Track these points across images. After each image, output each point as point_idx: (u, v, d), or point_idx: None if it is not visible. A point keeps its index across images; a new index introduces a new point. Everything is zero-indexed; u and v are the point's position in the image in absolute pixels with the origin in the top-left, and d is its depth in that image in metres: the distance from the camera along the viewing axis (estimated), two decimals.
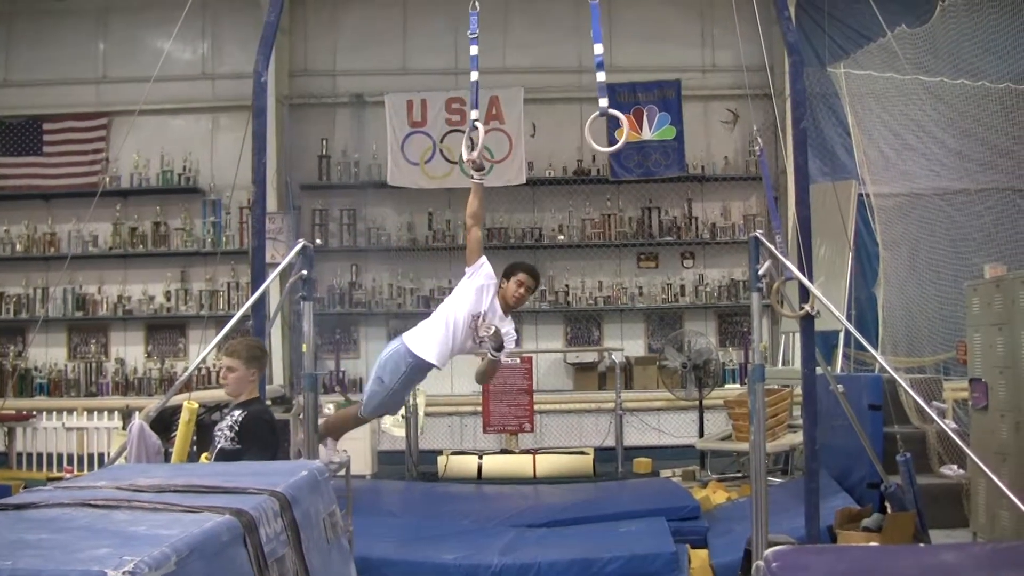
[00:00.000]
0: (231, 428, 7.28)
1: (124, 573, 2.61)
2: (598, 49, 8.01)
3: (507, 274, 8.46)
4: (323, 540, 4.19)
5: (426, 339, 8.47)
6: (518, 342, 15.53)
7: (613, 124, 15.64)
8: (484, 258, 8.39)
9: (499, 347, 8.24)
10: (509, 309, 8.42)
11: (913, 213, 13.28)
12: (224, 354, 7.60)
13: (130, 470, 4.83)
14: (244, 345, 7.67)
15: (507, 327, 8.36)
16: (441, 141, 15.94)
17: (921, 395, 8.84)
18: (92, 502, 3.49)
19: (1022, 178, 11.85)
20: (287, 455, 8.77)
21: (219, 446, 7.27)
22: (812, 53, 14.82)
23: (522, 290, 8.36)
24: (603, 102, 7.76)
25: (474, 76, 8.24)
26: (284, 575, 3.61)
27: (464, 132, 8.60)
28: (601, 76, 7.92)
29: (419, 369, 8.55)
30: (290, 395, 14.58)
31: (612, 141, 15.47)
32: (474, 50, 8.23)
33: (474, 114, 8.22)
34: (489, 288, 8.32)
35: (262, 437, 7.34)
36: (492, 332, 8.17)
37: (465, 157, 8.24)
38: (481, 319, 8.22)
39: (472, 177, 8.21)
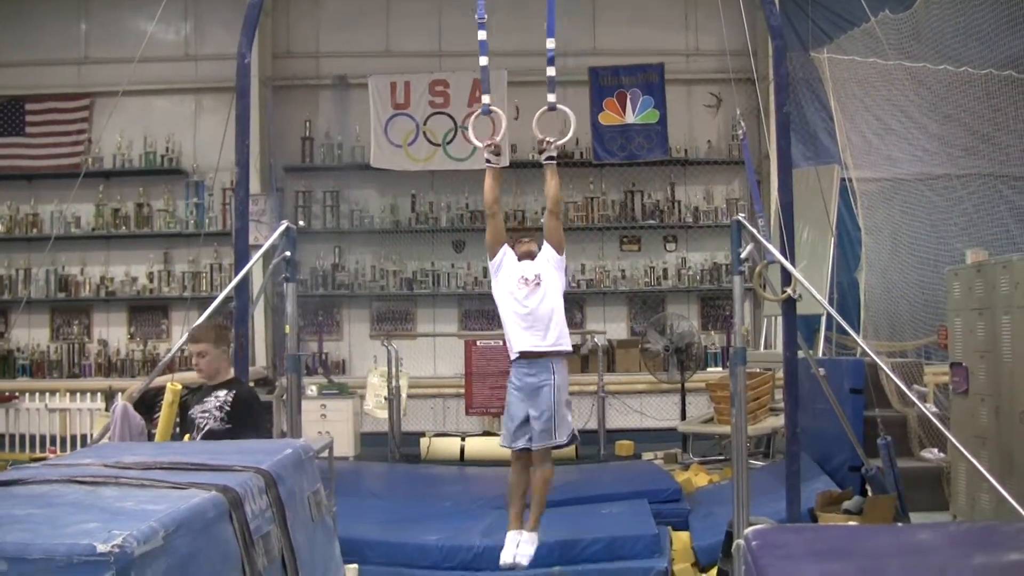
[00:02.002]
0: (220, 409, 7.29)
1: (113, 547, 2.63)
2: (550, 44, 8.07)
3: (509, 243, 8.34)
4: (308, 518, 4.20)
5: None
6: None
7: (597, 107, 15.73)
8: (501, 250, 8.15)
9: (497, 154, 8.13)
10: (528, 255, 8.18)
11: (895, 198, 13.34)
12: (190, 341, 7.60)
13: (116, 448, 4.83)
14: (208, 327, 7.69)
15: (543, 260, 8.18)
16: (424, 123, 15.91)
17: (902, 379, 8.88)
18: (79, 479, 3.50)
19: (1003, 164, 11.92)
20: (270, 434, 8.76)
21: (207, 427, 7.27)
22: (795, 38, 14.85)
23: (523, 246, 8.17)
24: (551, 97, 8.05)
25: (483, 61, 8.22)
26: (269, 551, 3.62)
27: (453, 117, 8.55)
28: (551, 71, 8.10)
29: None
30: (273, 377, 14.61)
31: (595, 123, 15.57)
32: (482, 35, 8.22)
33: (486, 99, 8.21)
34: (508, 271, 8.11)
35: (254, 418, 7.38)
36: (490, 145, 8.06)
37: (478, 142, 8.21)
38: (523, 278, 8.06)
39: (489, 162, 8.10)
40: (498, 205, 8.19)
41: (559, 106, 8.11)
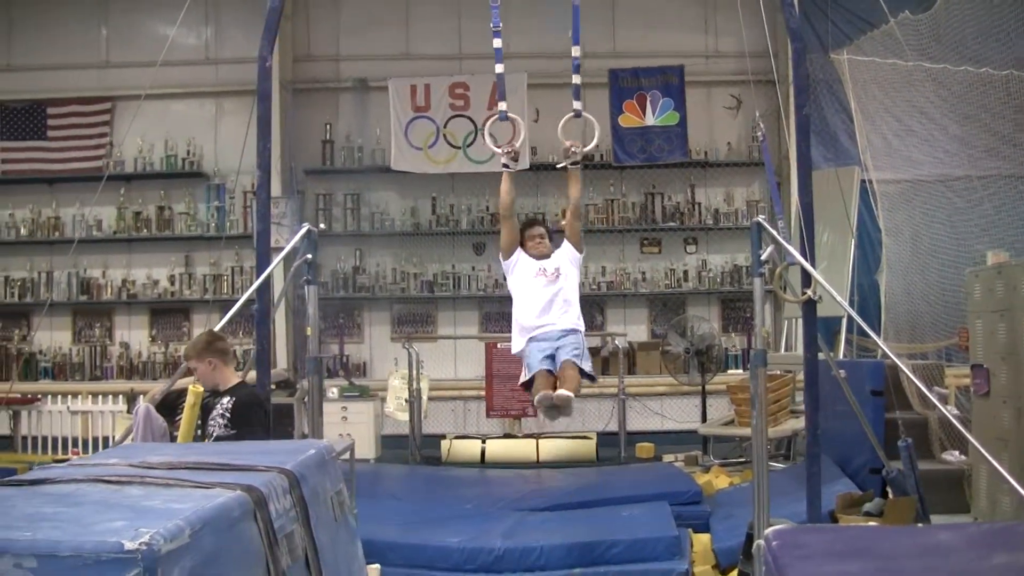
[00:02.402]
0: (223, 416, 7.35)
1: (141, 544, 2.66)
2: (576, 51, 8.13)
3: (522, 242, 8.35)
4: (331, 518, 4.24)
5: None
6: None
7: (616, 109, 15.74)
8: (516, 253, 8.24)
9: (515, 159, 8.19)
10: (543, 256, 8.24)
11: (916, 199, 13.29)
12: (184, 360, 7.73)
13: (140, 449, 4.87)
14: (191, 345, 7.85)
15: (562, 256, 8.24)
16: (444, 126, 15.97)
17: (923, 381, 8.87)
18: (106, 478, 3.54)
19: None
20: (285, 435, 8.77)
21: (214, 435, 7.33)
22: (815, 39, 14.83)
23: (537, 239, 8.24)
24: (577, 105, 8.12)
25: (499, 68, 8.27)
26: (293, 550, 3.66)
27: (475, 121, 8.59)
28: (576, 79, 8.17)
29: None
30: (294, 379, 14.65)
31: (615, 125, 15.59)
32: (498, 43, 8.26)
33: (503, 105, 8.27)
34: (525, 266, 8.19)
35: (253, 420, 7.40)
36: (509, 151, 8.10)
37: (496, 148, 8.28)
38: (542, 269, 8.10)
39: (508, 167, 8.14)
40: (513, 208, 8.29)
41: (585, 114, 8.19)
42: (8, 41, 16.87)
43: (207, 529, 3.00)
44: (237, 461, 3.94)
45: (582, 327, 8.16)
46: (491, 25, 8.26)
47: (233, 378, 7.71)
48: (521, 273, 8.14)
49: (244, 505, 3.36)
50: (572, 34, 8.23)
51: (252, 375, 8.24)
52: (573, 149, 8.06)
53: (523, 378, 8.07)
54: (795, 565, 3.46)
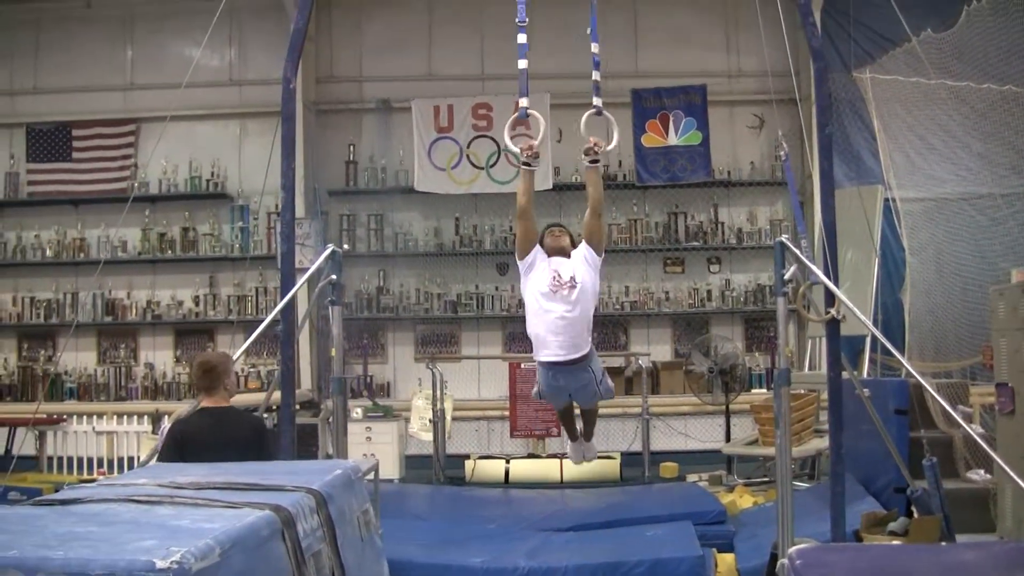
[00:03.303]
0: None
1: (172, 563, 2.69)
2: (595, 48, 8.14)
3: (541, 241, 8.18)
4: (357, 537, 4.26)
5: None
6: None
7: (639, 129, 15.76)
8: (533, 251, 8.07)
9: (536, 157, 8.09)
10: (561, 251, 8.06)
11: (939, 218, 13.27)
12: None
13: (168, 469, 4.91)
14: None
15: (579, 259, 8.14)
16: (467, 147, 16.03)
17: (947, 400, 8.83)
18: (136, 498, 3.58)
19: None
20: (309, 456, 8.76)
21: None
22: (837, 58, 14.84)
23: (553, 236, 8.11)
24: (597, 101, 8.16)
25: (522, 64, 8.21)
26: (320, 570, 3.69)
27: (496, 140, 8.60)
28: (596, 75, 8.21)
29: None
30: (318, 399, 14.68)
31: (638, 145, 15.62)
32: (522, 38, 8.21)
33: (524, 102, 8.19)
34: (541, 270, 7.99)
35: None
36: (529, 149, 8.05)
37: (514, 148, 8.19)
38: (556, 277, 8.04)
39: (527, 167, 7.99)
40: (531, 207, 8.14)
41: (604, 112, 8.18)
42: (35, 63, 17.00)
43: (236, 548, 3.03)
44: (265, 481, 3.97)
45: (593, 347, 8.03)
46: (517, 20, 8.24)
47: (225, 401, 7.63)
48: (535, 281, 7.95)
49: (272, 524, 3.39)
50: (590, 31, 8.22)
51: (248, 397, 8.24)
52: (596, 147, 7.95)
53: (534, 392, 8.15)
54: None
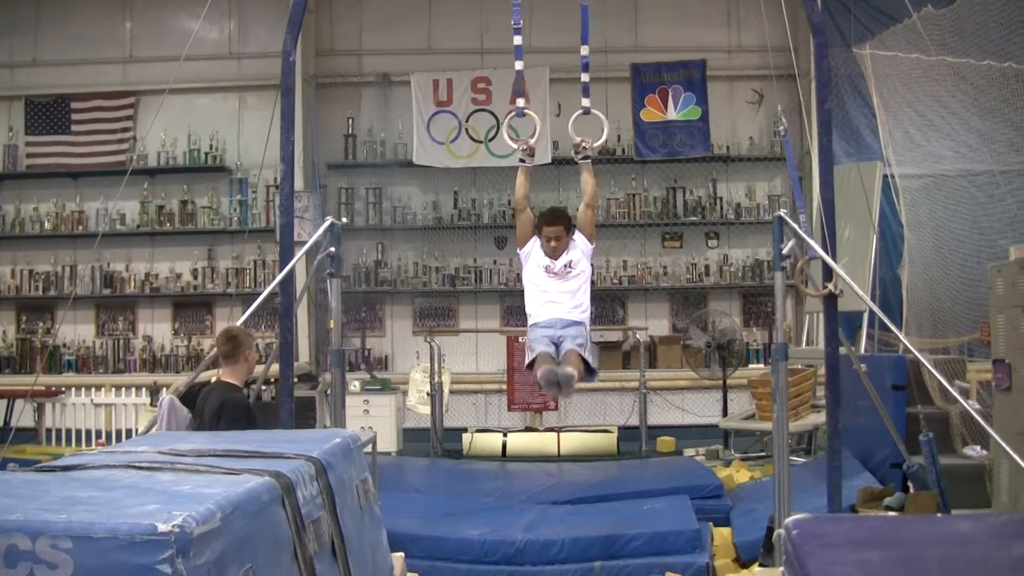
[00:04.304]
0: None
1: (173, 527, 2.72)
2: (584, 51, 8.41)
3: (539, 230, 8.34)
4: (356, 506, 4.29)
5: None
6: None
7: (638, 103, 15.77)
8: (530, 243, 8.28)
9: (531, 155, 8.32)
10: (560, 252, 8.19)
11: (938, 194, 13.25)
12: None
13: (168, 437, 4.93)
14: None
15: (573, 248, 8.24)
16: (466, 120, 16.04)
17: (945, 376, 8.84)
18: (136, 464, 3.60)
19: None
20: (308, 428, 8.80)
21: None
22: (837, 33, 14.80)
23: (552, 242, 8.16)
24: (585, 102, 8.36)
25: (519, 65, 8.37)
26: (320, 536, 3.71)
27: (496, 116, 8.69)
28: (585, 77, 8.39)
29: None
30: (316, 372, 14.70)
31: (637, 119, 15.61)
32: (518, 40, 8.35)
33: (520, 102, 8.38)
34: (536, 261, 8.21)
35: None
36: (525, 147, 8.21)
37: (513, 144, 8.46)
38: (551, 266, 8.16)
39: (523, 163, 8.27)
40: (527, 201, 8.41)
41: (593, 111, 8.38)
42: (34, 36, 16.96)
43: (237, 513, 3.05)
44: (264, 448, 4.00)
45: (587, 321, 8.15)
46: (512, 23, 8.32)
47: (231, 377, 7.69)
48: (533, 266, 8.22)
49: (272, 491, 3.42)
50: (582, 34, 8.34)
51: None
52: (584, 145, 8.21)
53: (527, 359, 8.14)
54: (815, 553, 3.49)
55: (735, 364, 14.58)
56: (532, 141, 8.29)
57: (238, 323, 8.08)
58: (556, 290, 8.06)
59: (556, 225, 8.21)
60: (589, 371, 8.03)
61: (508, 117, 8.66)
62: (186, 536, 2.73)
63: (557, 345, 7.93)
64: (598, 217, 15.99)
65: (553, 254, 8.15)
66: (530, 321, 8.14)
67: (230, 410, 7.37)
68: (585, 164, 8.24)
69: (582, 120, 8.37)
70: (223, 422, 7.21)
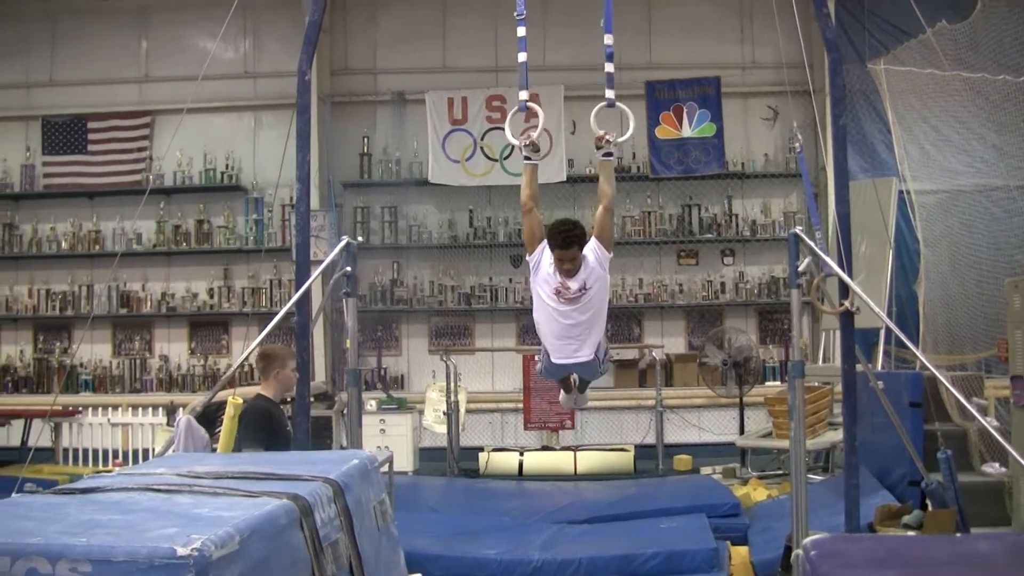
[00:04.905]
0: None
1: (192, 550, 2.73)
2: (608, 40, 7.89)
3: (549, 239, 7.71)
4: (374, 527, 4.29)
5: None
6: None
7: (653, 120, 15.74)
8: (539, 248, 7.71)
9: (535, 150, 7.84)
10: (573, 273, 7.58)
11: (954, 210, 13.23)
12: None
13: (186, 459, 4.96)
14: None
15: (587, 264, 7.64)
16: (482, 139, 16.06)
17: (962, 392, 8.79)
18: (155, 487, 3.61)
19: None
20: (324, 448, 8.90)
21: None
22: (851, 49, 14.81)
23: (565, 265, 7.56)
24: (610, 93, 7.82)
25: (522, 57, 8.04)
26: (338, 558, 3.71)
27: (506, 126, 8.46)
28: (610, 67, 7.87)
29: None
30: (332, 391, 14.70)
31: (652, 136, 15.60)
32: (521, 31, 8.05)
33: (523, 95, 8.03)
34: (546, 275, 7.65)
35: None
36: (528, 142, 7.87)
37: (513, 139, 7.95)
38: (562, 287, 7.80)
39: (528, 160, 7.78)
40: (534, 202, 7.81)
41: (618, 103, 7.85)
42: (50, 56, 17.06)
43: (255, 536, 3.06)
44: (282, 471, 4.00)
45: (600, 349, 7.84)
46: (515, 13, 8.07)
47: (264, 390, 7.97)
48: (542, 283, 7.68)
49: (291, 513, 3.42)
50: (604, 23, 8.08)
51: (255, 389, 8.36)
52: (607, 139, 7.63)
53: (538, 367, 8.20)
54: (834, 574, 3.48)
55: (751, 382, 14.53)
56: (535, 134, 7.73)
57: (254, 342, 8.09)
58: (569, 322, 7.60)
59: (569, 248, 7.54)
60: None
61: (511, 114, 8.35)
62: (205, 559, 2.74)
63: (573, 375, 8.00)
64: (614, 234, 16.04)
65: (567, 275, 7.55)
66: (544, 346, 7.87)
67: (249, 415, 7.49)
68: (606, 162, 7.74)
69: (603, 119, 7.99)
70: (241, 427, 7.31)
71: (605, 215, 7.76)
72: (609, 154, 7.74)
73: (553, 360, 7.82)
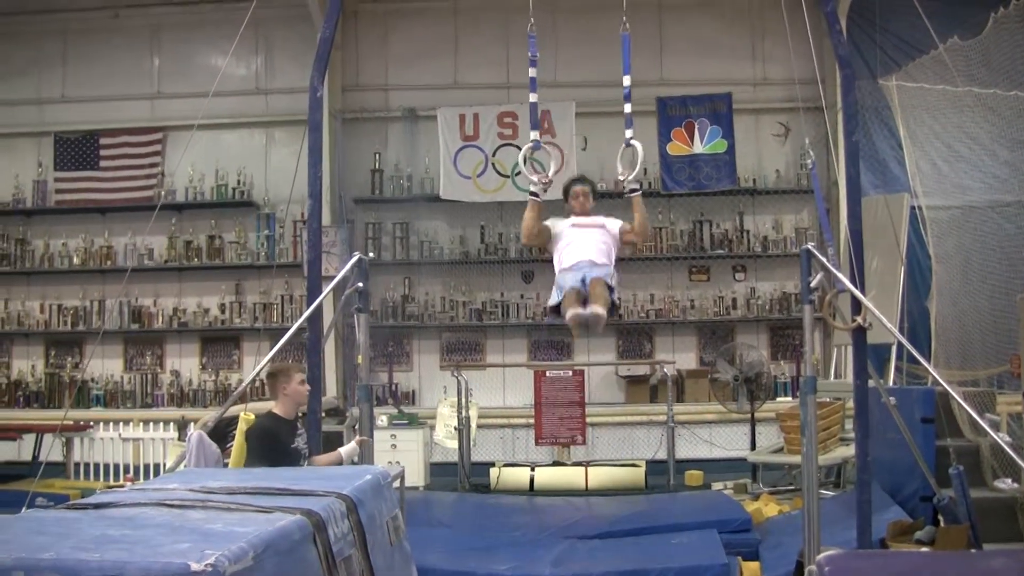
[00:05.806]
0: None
1: (207, 566, 2.72)
2: (627, 81, 8.27)
3: (565, 199, 8.61)
4: (387, 542, 4.29)
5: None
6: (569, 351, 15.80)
7: (664, 137, 15.75)
8: (554, 229, 8.43)
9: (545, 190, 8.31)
10: (586, 213, 8.45)
11: (966, 226, 13.20)
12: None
13: (198, 474, 4.95)
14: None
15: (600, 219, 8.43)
16: (493, 155, 16.05)
17: (974, 408, 8.78)
18: (168, 502, 3.61)
19: None
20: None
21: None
22: (863, 65, 14.81)
23: (579, 199, 8.45)
24: (628, 133, 8.29)
25: (533, 98, 8.34)
26: (351, 574, 3.71)
27: (521, 150, 8.59)
28: (628, 108, 8.37)
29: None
30: (343, 407, 14.70)
31: (663, 153, 15.60)
32: (532, 72, 8.32)
33: (534, 134, 8.29)
34: (565, 225, 8.40)
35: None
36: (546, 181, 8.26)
37: (531, 176, 8.29)
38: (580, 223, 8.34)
39: (535, 197, 8.19)
40: (535, 238, 8.44)
41: (632, 142, 8.26)
42: (62, 73, 17.13)
43: (269, 552, 3.06)
44: (295, 486, 4.00)
45: (612, 275, 8.11)
46: (528, 54, 8.30)
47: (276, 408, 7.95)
48: (563, 229, 8.35)
49: (304, 529, 3.42)
50: (623, 64, 8.28)
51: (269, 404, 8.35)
52: (625, 183, 8.21)
53: (552, 301, 8.16)
54: None
55: (763, 397, 14.51)
56: (552, 175, 8.28)
57: (266, 359, 8.10)
58: (583, 239, 8.15)
59: (583, 184, 8.56)
60: (612, 304, 8.06)
61: (526, 149, 8.51)
62: (219, 575, 2.73)
63: (583, 280, 7.94)
64: (625, 251, 16.02)
65: (581, 210, 8.38)
66: (557, 272, 8.20)
67: (254, 434, 7.55)
68: (635, 199, 8.21)
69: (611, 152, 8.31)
70: (247, 446, 7.38)
71: (629, 234, 8.40)
72: (635, 190, 8.19)
73: (566, 265, 8.11)
